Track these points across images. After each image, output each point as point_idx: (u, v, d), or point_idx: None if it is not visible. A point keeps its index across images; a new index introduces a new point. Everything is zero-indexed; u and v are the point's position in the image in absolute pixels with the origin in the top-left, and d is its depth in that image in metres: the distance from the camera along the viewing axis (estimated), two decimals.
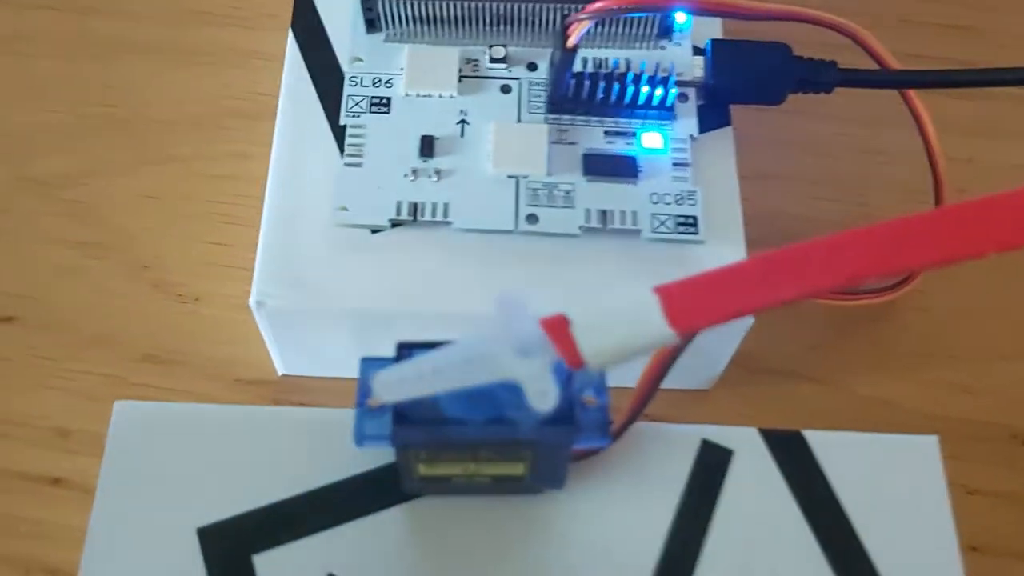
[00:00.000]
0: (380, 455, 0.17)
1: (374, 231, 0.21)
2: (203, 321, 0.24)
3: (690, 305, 0.14)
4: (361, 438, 0.16)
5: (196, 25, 0.28)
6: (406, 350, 0.16)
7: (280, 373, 0.24)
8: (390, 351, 0.16)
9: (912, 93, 0.23)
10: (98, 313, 0.24)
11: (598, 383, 0.16)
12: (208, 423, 0.18)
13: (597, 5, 0.20)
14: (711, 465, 0.18)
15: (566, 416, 0.15)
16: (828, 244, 0.14)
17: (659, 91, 0.21)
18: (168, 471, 0.17)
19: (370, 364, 0.16)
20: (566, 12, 0.22)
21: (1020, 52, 0.29)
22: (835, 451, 0.18)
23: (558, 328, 0.14)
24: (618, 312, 0.14)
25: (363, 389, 0.16)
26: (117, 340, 0.24)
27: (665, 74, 0.21)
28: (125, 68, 0.27)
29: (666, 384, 0.19)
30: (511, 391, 0.14)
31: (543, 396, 0.13)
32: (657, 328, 0.14)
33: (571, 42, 0.20)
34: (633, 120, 0.22)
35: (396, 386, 0.15)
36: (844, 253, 0.14)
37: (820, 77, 0.23)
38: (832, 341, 0.25)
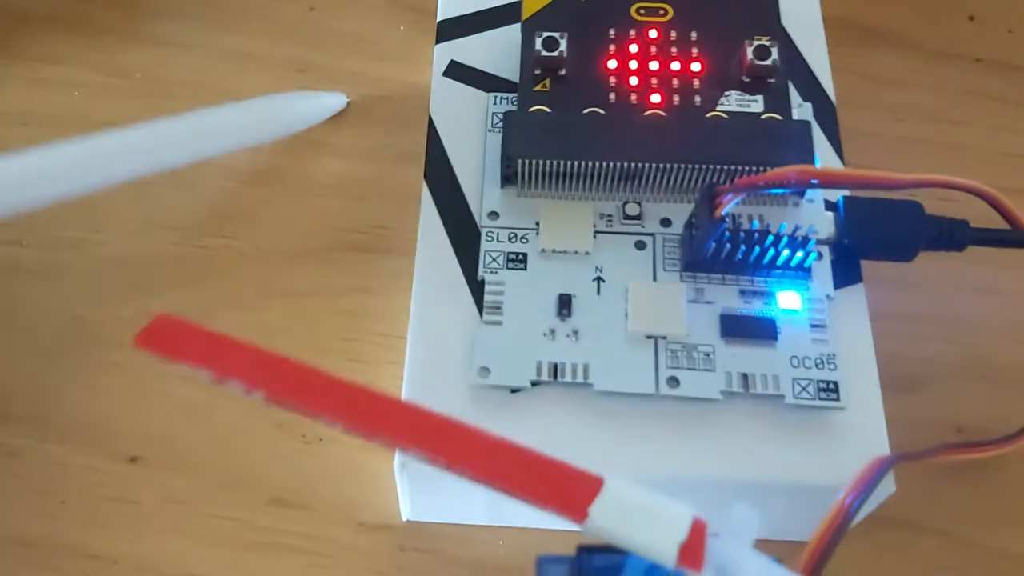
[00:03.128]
0: None
1: (514, 391, 0.21)
2: (327, 463, 0.24)
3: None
4: None
5: (315, 156, 0.28)
6: (585, 553, 0.16)
7: (405, 519, 0.24)
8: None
9: None
10: (224, 454, 0.24)
11: None
12: None
13: (748, 180, 0.20)
14: None
15: None
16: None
17: (799, 253, 0.22)
18: None
19: (549, 563, 0.16)
20: (703, 176, 0.22)
21: None
22: None
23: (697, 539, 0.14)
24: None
25: None
26: (243, 482, 0.24)
27: (804, 236, 0.22)
28: (245, 198, 0.28)
29: (795, 536, 0.19)
30: None
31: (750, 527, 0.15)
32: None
33: (719, 213, 0.20)
34: (770, 279, 0.22)
35: None
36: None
37: (954, 237, 0.23)
38: (952, 489, 0.24)
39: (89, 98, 0.30)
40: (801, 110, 0.24)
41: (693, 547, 0.14)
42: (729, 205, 0.20)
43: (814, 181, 0.20)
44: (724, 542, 0.15)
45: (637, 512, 0.14)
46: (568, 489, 0.15)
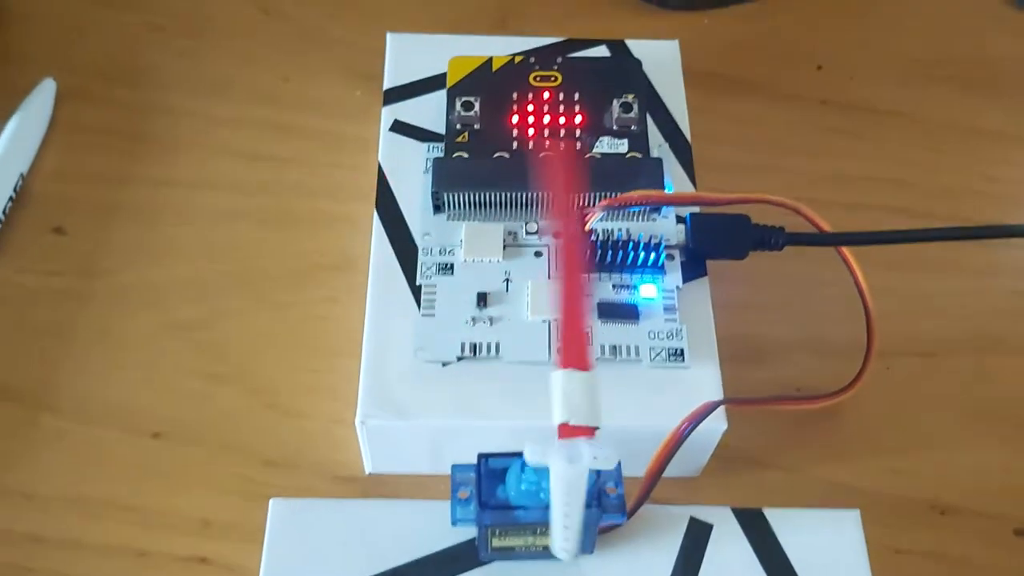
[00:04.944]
0: (464, 532, 0.24)
1: (444, 364, 0.28)
2: (307, 433, 0.31)
3: (576, 352, 0.22)
4: (455, 520, 0.23)
5: (292, 197, 0.36)
6: (484, 458, 0.23)
7: (368, 472, 0.31)
8: (457, 454, 0.24)
9: (844, 248, 0.31)
10: (225, 428, 0.31)
11: (616, 477, 0.23)
12: (342, 512, 0.25)
13: (605, 202, 0.28)
14: (697, 535, 0.25)
15: (595, 502, 0.22)
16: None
17: (652, 255, 0.29)
18: (311, 547, 0.24)
19: (459, 468, 0.23)
20: (582, 202, 0.29)
21: (940, 200, 0.37)
22: (786, 522, 0.25)
23: (569, 430, 0.21)
24: (570, 394, 0.22)
25: (455, 485, 0.23)
26: (241, 449, 0.31)
27: (657, 241, 0.29)
28: (237, 233, 0.35)
29: (664, 474, 0.26)
30: None
31: (608, 460, 0.21)
32: (586, 377, 0.22)
33: (587, 226, 0.28)
34: (633, 275, 0.30)
35: (565, 544, 0.22)
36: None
37: (772, 239, 0.30)
38: (791, 436, 0.32)
39: (111, 155, 0.37)
40: (661, 149, 0.32)
41: (570, 430, 0.21)
42: (593, 221, 0.28)
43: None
44: (583, 445, 0.22)
45: (576, 396, 0.22)
46: (578, 348, 0.22)
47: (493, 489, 0.23)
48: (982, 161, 0.38)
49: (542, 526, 0.23)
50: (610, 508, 0.23)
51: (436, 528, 0.24)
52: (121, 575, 0.29)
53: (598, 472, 0.22)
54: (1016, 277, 0.36)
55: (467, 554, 0.24)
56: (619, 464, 0.23)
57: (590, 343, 0.22)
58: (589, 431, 0.22)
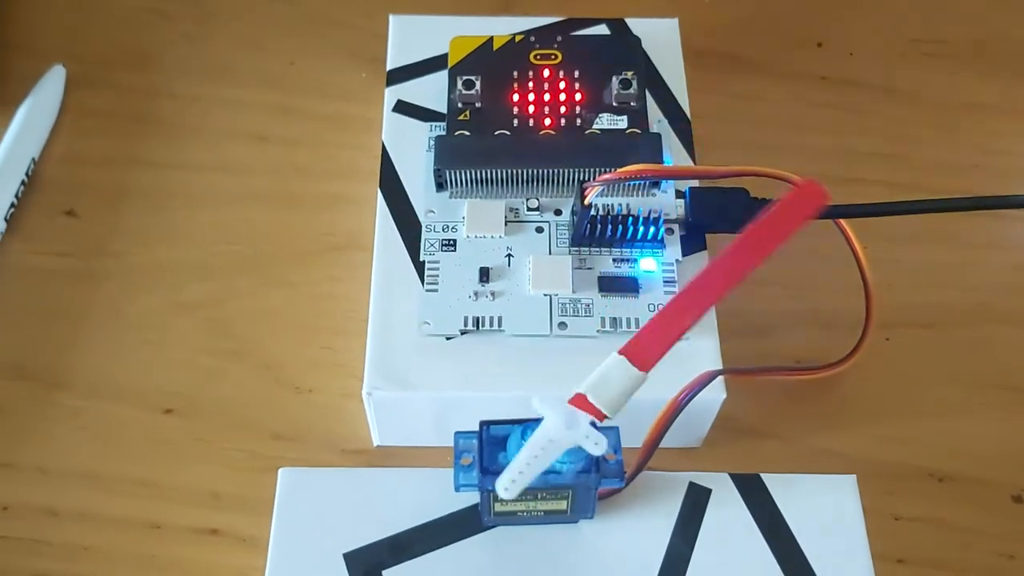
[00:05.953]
0: (467, 498, 0.25)
1: (448, 338, 0.29)
2: (315, 407, 0.32)
3: (644, 349, 0.22)
4: (458, 486, 0.23)
5: (299, 178, 0.36)
6: (486, 425, 0.24)
7: (375, 444, 0.31)
8: (461, 425, 0.24)
9: (842, 220, 0.31)
10: (236, 404, 0.32)
11: (615, 444, 0.24)
12: (348, 480, 0.25)
13: (605, 176, 0.28)
14: (696, 500, 0.25)
15: (593, 467, 0.23)
16: (701, 276, 0.23)
17: (652, 229, 0.30)
18: (319, 515, 0.25)
19: (462, 435, 0.24)
20: (582, 177, 0.30)
21: (939, 174, 0.37)
22: (783, 487, 0.26)
23: (583, 402, 0.22)
24: (608, 376, 0.22)
25: (458, 452, 0.24)
26: (250, 424, 0.32)
27: (656, 216, 0.29)
28: (245, 214, 0.36)
29: (665, 443, 0.27)
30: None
31: (596, 445, 0.21)
32: (634, 374, 0.22)
33: (587, 201, 0.28)
34: (633, 249, 0.30)
35: (511, 484, 0.21)
36: (712, 277, 0.23)
37: None
38: (791, 407, 0.32)
39: (120, 139, 0.37)
40: (660, 125, 0.33)
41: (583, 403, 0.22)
42: (593, 195, 0.28)
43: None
44: (584, 419, 0.22)
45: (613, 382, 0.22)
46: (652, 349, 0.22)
47: (495, 455, 0.23)
48: (980, 135, 0.39)
49: (543, 491, 0.24)
50: (608, 473, 0.23)
51: (440, 495, 0.25)
52: (134, 547, 0.30)
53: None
54: (1015, 249, 0.36)
55: (471, 519, 0.25)
56: (617, 430, 0.24)
57: (665, 353, 0.22)
58: (599, 415, 0.22)
